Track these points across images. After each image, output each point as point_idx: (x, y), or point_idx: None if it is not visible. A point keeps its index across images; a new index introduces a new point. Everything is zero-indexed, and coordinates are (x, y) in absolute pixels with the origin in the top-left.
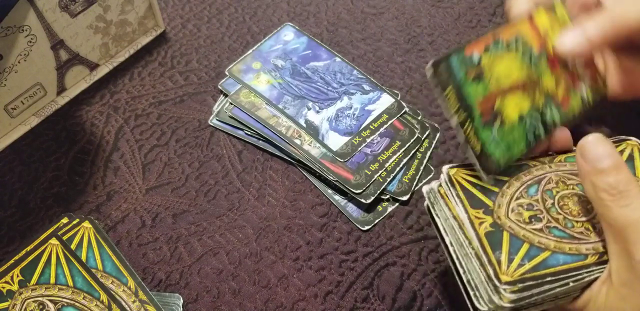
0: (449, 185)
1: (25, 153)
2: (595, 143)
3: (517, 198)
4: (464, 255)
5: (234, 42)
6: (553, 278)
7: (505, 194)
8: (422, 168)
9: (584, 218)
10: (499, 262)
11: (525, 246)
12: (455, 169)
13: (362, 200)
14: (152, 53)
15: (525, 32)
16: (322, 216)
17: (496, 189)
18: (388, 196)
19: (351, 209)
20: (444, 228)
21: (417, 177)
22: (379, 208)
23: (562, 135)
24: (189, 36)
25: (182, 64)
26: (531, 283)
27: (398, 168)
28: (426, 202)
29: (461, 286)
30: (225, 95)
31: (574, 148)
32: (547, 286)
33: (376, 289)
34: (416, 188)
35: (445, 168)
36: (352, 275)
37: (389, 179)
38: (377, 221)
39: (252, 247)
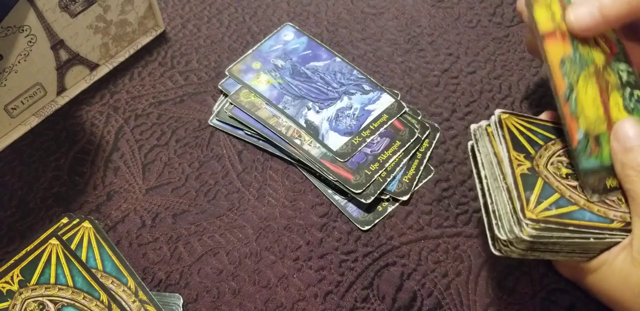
0: (497, 126)
1: (25, 153)
2: (627, 125)
3: (559, 156)
4: (496, 187)
5: (234, 42)
6: (576, 228)
7: (549, 149)
8: (422, 168)
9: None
10: (527, 200)
11: (555, 196)
12: (507, 115)
13: (362, 200)
14: (152, 53)
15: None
16: (322, 216)
17: (541, 142)
18: (388, 196)
19: (351, 209)
20: (482, 162)
21: (417, 177)
22: (379, 208)
23: None
24: (189, 36)
25: (182, 64)
26: (554, 226)
27: (398, 168)
28: (470, 142)
29: (485, 218)
30: (225, 95)
31: None
32: (567, 234)
33: (376, 289)
34: (416, 188)
35: (497, 111)
36: (352, 275)
37: (389, 179)
38: (377, 221)
39: (252, 247)
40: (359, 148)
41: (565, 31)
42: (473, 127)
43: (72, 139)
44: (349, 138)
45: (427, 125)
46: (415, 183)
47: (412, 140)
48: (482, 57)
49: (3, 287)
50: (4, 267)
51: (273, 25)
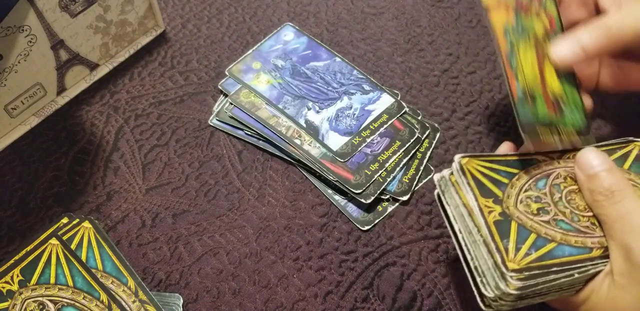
0: (460, 173)
1: (25, 153)
2: (588, 154)
3: (526, 191)
4: (472, 242)
5: (234, 42)
6: (559, 268)
7: (515, 185)
8: (422, 168)
9: (590, 213)
10: (506, 250)
11: (532, 237)
12: (467, 158)
13: (362, 200)
14: (152, 53)
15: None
16: (322, 216)
17: (506, 180)
18: (388, 196)
19: (351, 209)
20: (454, 216)
21: (417, 177)
22: (379, 208)
23: None
24: (189, 36)
25: (182, 64)
26: (537, 272)
27: (398, 168)
28: (437, 190)
29: (468, 274)
30: (225, 95)
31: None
32: (552, 276)
33: (376, 289)
34: (416, 188)
35: (457, 157)
36: (352, 275)
37: (389, 179)
38: (377, 221)
39: (252, 247)
40: (359, 148)
41: (509, 4)
42: (436, 177)
43: (72, 139)
44: (349, 138)
45: (427, 125)
46: (415, 183)
47: (412, 140)
48: (482, 57)
49: (3, 287)
50: (4, 267)
51: (273, 25)
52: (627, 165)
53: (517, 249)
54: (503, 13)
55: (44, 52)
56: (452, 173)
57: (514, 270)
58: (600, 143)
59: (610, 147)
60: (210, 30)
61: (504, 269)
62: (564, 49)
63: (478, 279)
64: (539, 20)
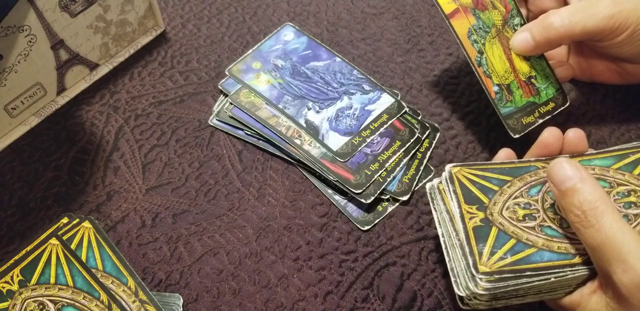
0: (448, 181)
1: (25, 153)
2: (558, 167)
3: (516, 197)
4: (451, 245)
5: (234, 42)
6: (532, 272)
7: (504, 193)
8: (422, 168)
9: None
10: (480, 254)
11: (511, 242)
12: (458, 168)
13: (362, 200)
14: (152, 53)
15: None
16: (322, 216)
17: (496, 188)
18: (388, 196)
19: (351, 209)
20: (439, 221)
21: (417, 177)
22: (379, 208)
23: (576, 135)
24: (189, 36)
25: (182, 64)
26: (508, 275)
27: (398, 168)
28: (429, 197)
29: (450, 274)
30: (225, 95)
31: (590, 150)
32: (524, 280)
33: (376, 289)
34: (416, 188)
35: (448, 166)
36: (352, 275)
37: (389, 179)
38: (377, 221)
39: (252, 247)
40: (359, 148)
41: (466, 6)
42: (428, 186)
43: (72, 139)
44: (349, 138)
45: (427, 125)
46: (415, 183)
47: (412, 140)
48: None
49: (3, 287)
50: (4, 267)
51: (273, 25)
52: (637, 170)
53: (492, 253)
54: (463, 18)
55: (44, 52)
56: (440, 182)
57: (484, 273)
58: (612, 148)
59: (623, 152)
60: (210, 30)
61: (474, 270)
62: (518, 39)
63: (452, 279)
64: (494, 10)
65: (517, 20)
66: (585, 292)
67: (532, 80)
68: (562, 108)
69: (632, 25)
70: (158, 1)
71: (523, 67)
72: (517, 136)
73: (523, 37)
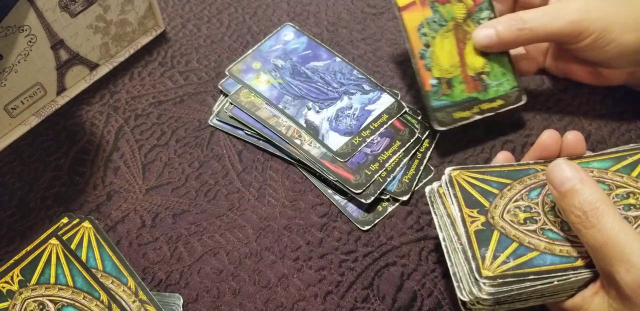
0: (448, 185)
1: (25, 153)
2: (557, 169)
3: (516, 201)
4: (452, 249)
5: (234, 42)
6: (536, 276)
7: (505, 196)
8: (422, 168)
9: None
10: (483, 258)
11: (513, 246)
12: (458, 171)
13: (362, 200)
14: (152, 53)
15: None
16: (322, 216)
17: (496, 191)
18: (388, 196)
19: (351, 209)
20: (439, 225)
21: (417, 177)
22: (379, 208)
23: (574, 138)
24: (189, 36)
25: (182, 64)
26: (511, 279)
27: (398, 168)
28: (428, 201)
29: (453, 279)
30: (225, 95)
31: (588, 152)
32: (528, 284)
33: (376, 289)
34: (416, 188)
35: (448, 169)
36: (352, 275)
37: (389, 179)
38: (377, 221)
39: (252, 247)
40: (359, 148)
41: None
42: (427, 189)
43: (72, 139)
44: (349, 138)
45: (427, 125)
46: (415, 183)
47: (412, 140)
48: None
49: (3, 287)
50: (4, 267)
51: (273, 25)
52: (636, 172)
53: (495, 257)
54: (418, 10)
55: (44, 52)
56: (440, 186)
57: (487, 277)
58: (610, 150)
59: (621, 154)
60: (210, 30)
61: (477, 275)
62: (481, 34)
63: (455, 284)
64: (459, 3)
65: (485, 13)
66: (587, 294)
67: (483, 76)
68: (513, 106)
69: (594, 33)
70: (158, 1)
71: (476, 62)
72: (441, 129)
73: (487, 33)
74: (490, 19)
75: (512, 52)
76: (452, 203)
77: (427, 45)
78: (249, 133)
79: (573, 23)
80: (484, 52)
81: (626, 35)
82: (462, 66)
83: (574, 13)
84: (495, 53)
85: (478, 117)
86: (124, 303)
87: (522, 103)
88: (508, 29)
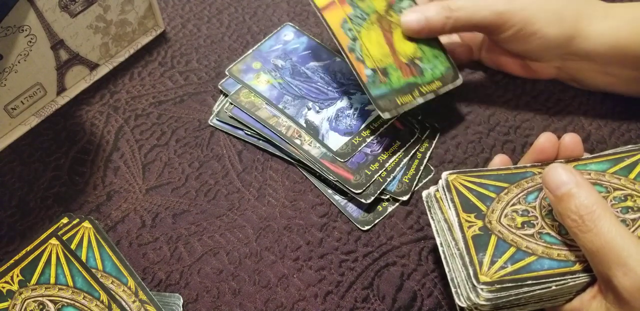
0: (445, 190)
1: (25, 153)
2: (553, 172)
3: (514, 204)
4: (450, 255)
5: (234, 42)
6: (534, 281)
7: (502, 200)
8: (422, 168)
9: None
10: (480, 263)
11: (511, 250)
12: (455, 175)
13: (362, 200)
14: (152, 53)
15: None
16: (322, 216)
17: (493, 195)
18: (388, 196)
19: (351, 209)
20: (437, 230)
21: (417, 177)
22: (379, 208)
23: (572, 140)
24: (189, 36)
25: (182, 64)
26: (510, 285)
27: (398, 168)
28: (426, 206)
29: (450, 284)
30: (225, 95)
31: (586, 154)
32: (526, 289)
33: (376, 289)
34: (416, 188)
35: (445, 174)
36: (352, 275)
37: (389, 179)
38: (377, 221)
39: (252, 247)
40: (359, 148)
41: None
42: (424, 194)
43: (72, 139)
44: (349, 138)
45: (427, 125)
46: (415, 183)
47: (412, 140)
48: None
49: (3, 287)
50: (4, 267)
51: (273, 25)
52: (633, 174)
53: (492, 262)
54: (338, 9)
55: (44, 52)
56: (437, 190)
57: (485, 283)
58: (607, 152)
59: (618, 156)
60: (210, 30)
61: (475, 281)
62: (411, 18)
63: (453, 290)
64: None
65: (405, 3)
66: (585, 298)
67: (416, 61)
68: (451, 86)
69: (516, 24)
70: (158, 1)
71: (407, 49)
72: (389, 116)
73: (415, 18)
74: (410, 7)
75: (446, 39)
76: (449, 208)
77: (355, 39)
78: (249, 133)
79: (497, 14)
80: (413, 39)
81: (549, 28)
82: (394, 54)
83: (499, 4)
84: (423, 39)
85: (421, 99)
86: (124, 303)
87: (459, 81)
88: (436, 15)
